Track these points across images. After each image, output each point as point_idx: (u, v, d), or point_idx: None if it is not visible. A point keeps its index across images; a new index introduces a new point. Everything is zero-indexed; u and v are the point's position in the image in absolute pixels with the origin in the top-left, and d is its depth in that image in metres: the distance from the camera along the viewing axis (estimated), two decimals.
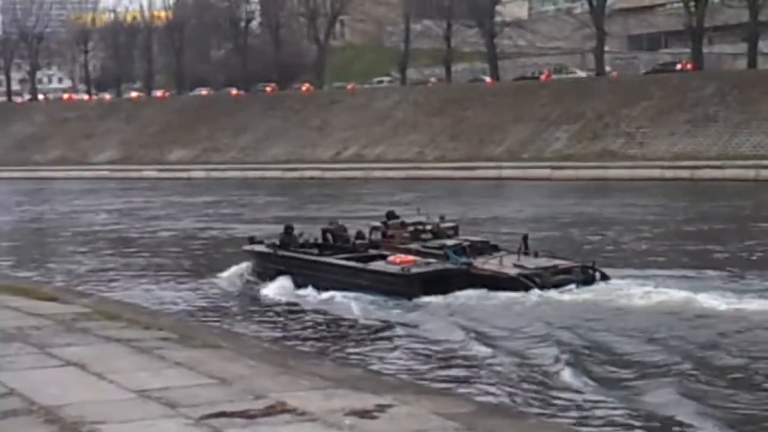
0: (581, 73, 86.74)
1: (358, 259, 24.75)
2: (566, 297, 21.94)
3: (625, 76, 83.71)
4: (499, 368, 17.07)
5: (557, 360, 17.12)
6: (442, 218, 27.62)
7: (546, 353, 17.88)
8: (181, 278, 28.77)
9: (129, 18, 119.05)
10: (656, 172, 62.92)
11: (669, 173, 62.12)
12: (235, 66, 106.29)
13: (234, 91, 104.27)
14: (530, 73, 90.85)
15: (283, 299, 23.78)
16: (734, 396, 15.18)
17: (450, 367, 17.84)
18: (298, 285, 24.75)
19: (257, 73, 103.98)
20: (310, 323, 21.97)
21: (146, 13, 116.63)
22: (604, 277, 23.59)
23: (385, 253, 24.72)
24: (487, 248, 25.22)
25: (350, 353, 18.49)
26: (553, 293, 22.08)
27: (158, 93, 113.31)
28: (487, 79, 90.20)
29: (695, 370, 16.59)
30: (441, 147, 79.06)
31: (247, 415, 8.71)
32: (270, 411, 8.90)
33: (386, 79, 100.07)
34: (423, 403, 9.56)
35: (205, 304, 24.60)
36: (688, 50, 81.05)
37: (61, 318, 14.42)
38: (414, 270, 23.14)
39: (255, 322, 21.96)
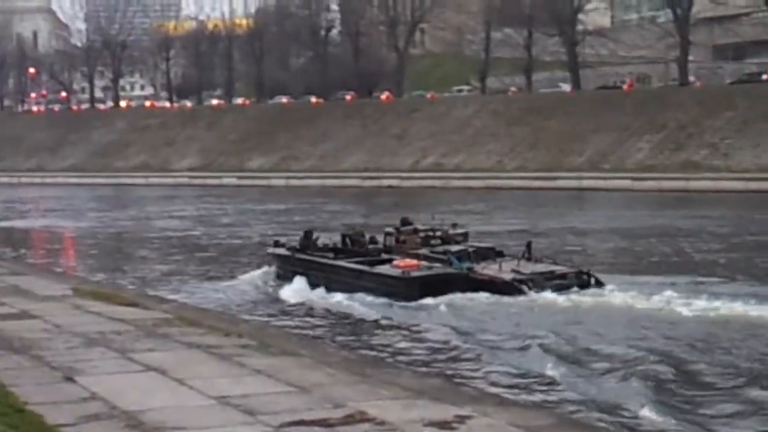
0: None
1: (367, 263, 25.94)
2: (557, 299, 23.14)
3: (710, 86, 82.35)
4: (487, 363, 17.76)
5: (542, 360, 17.76)
6: (454, 225, 28.93)
7: (529, 351, 18.67)
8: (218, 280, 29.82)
9: (210, 26, 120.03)
10: (740, 184, 62.06)
11: (753, 185, 61.23)
12: (315, 74, 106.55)
13: (313, 100, 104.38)
14: (612, 83, 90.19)
15: (296, 300, 24.98)
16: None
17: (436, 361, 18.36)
18: (313, 286, 25.77)
19: (336, 81, 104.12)
20: (319, 322, 22.79)
21: (228, 21, 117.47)
22: (599, 283, 24.51)
23: (394, 257, 25.89)
24: (491, 254, 26.25)
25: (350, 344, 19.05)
26: (546, 295, 23.26)
27: (239, 101, 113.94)
28: (568, 88, 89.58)
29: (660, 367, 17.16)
30: (520, 156, 78.70)
31: (326, 423, 8.93)
32: (349, 420, 9.10)
33: (466, 87, 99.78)
34: (502, 414, 9.72)
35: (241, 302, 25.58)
36: None
37: (142, 323, 14.76)
38: (414, 274, 24.38)
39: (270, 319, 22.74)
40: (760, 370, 17.57)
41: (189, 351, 12.63)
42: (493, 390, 14.46)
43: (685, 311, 22.11)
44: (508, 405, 10.84)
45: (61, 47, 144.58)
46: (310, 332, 20.32)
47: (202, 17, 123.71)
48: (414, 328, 21.23)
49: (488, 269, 24.70)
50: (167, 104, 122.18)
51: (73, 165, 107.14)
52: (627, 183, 67.35)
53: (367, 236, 28.72)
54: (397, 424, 8.97)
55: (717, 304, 22.46)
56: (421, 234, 27.54)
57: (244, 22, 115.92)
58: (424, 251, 26.20)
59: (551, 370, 16.64)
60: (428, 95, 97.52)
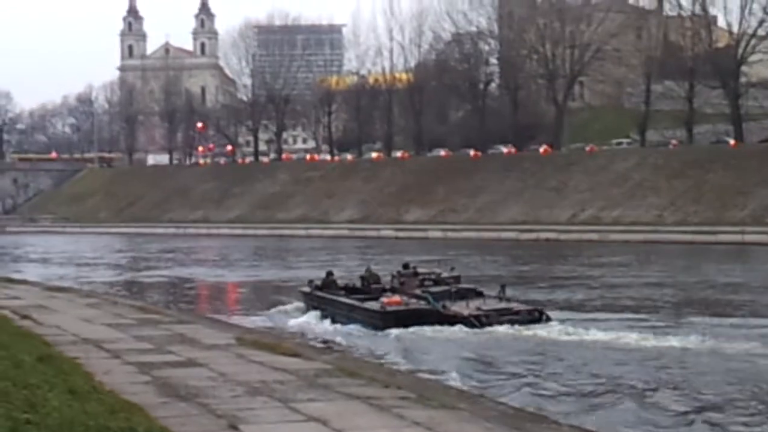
0: None
1: (361, 299, 29.06)
2: (502, 330, 25.86)
3: None
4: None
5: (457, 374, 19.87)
6: (452, 269, 32.23)
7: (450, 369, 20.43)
8: None
9: (371, 80, 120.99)
10: None
11: None
12: (473, 127, 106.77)
13: (471, 153, 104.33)
14: None
15: (298, 329, 27.51)
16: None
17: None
18: (324, 318, 29.32)
19: (495, 134, 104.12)
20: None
21: (388, 76, 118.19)
22: (548, 319, 26.89)
23: (389, 295, 28.85)
24: (471, 294, 28.57)
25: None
26: (497, 328, 25.91)
27: (397, 154, 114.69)
28: (731, 141, 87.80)
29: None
30: (681, 210, 77.51)
31: None
32: None
33: (625, 140, 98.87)
34: None
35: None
36: None
37: (303, 374, 15.02)
38: (389, 308, 27.05)
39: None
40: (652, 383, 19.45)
41: (349, 402, 12.84)
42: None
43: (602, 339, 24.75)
44: None
45: (227, 102, 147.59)
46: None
47: (363, 72, 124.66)
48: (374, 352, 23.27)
49: (456, 306, 27.14)
50: (328, 157, 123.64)
51: (238, 216, 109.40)
52: None
53: (381, 277, 31.70)
54: None
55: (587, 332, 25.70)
56: (420, 277, 30.22)
57: (404, 76, 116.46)
58: (418, 291, 28.63)
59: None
60: (587, 148, 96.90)
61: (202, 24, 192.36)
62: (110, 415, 9.75)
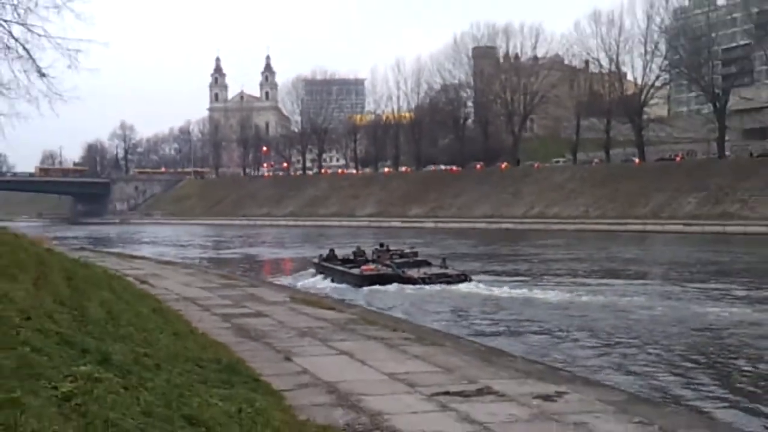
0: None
1: (350, 267, 29.78)
2: (438, 288, 26.31)
3: (740, 159, 79.85)
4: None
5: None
6: (412, 248, 33.67)
7: (432, 312, 21.78)
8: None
9: (384, 117, 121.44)
10: (764, 229, 59.64)
11: None
12: (455, 150, 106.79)
13: (454, 168, 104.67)
14: (668, 156, 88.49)
15: (307, 287, 27.56)
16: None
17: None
18: (325, 279, 30.12)
19: (470, 155, 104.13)
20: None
21: (396, 114, 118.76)
22: (470, 280, 27.49)
23: (369, 264, 29.55)
24: (423, 264, 29.26)
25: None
26: (435, 287, 26.43)
27: (402, 169, 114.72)
28: (636, 160, 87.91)
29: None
30: (601, 208, 77.66)
31: (463, 394, 9.04)
32: (480, 392, 9.20)
33: (562, 159, 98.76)
34: (589, 391, 9.64)
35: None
36: None
37: (337, 322, 15.08)
38: (366, 273, 28.04)
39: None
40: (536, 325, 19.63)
41: (368, 341, 12.87)
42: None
43: (507, 294, 25.18)
44: (594, 384, 10.71)
45: (283, 132, 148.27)
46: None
47: (378, 112, 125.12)
48: (353, 301, 22.94)
49: (411, 272, 27.80)
50: (354, 171, 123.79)
51: (291, 212, 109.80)
52: (679, 227, 65.63)
53: (368, 252, 32.21)
54: (513, 396, 9.00)
55: (501, 288, 26.47)
56: (389, 252, 30.90)
57: (407, 114, 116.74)
58: (388, 262, 29.14)
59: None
60: (535, 165, 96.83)
61: (266, 78, 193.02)
62: (202, 350, 9.78)
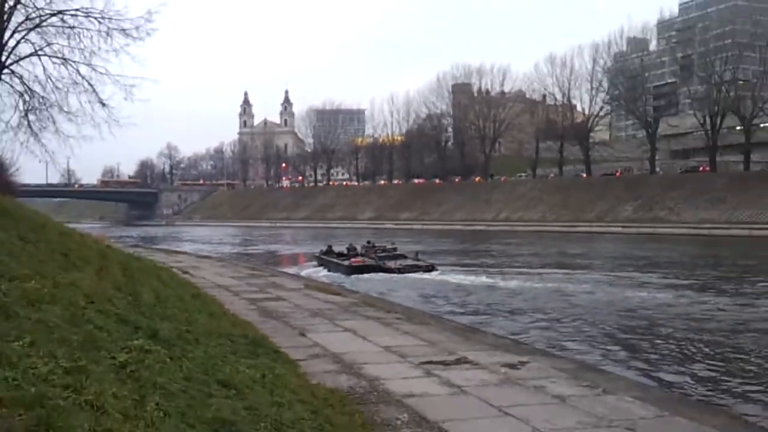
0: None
1: (342, 259, 29.82)
2: (413, 276, 26.67)
3: (668, 174, 79.99)
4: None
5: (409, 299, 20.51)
6: (392, 243, 32.80)
7: (403, 296, 21.41)
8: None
9: (381, 140, 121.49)
10: (685, 230, 59.78)
11: (694, 231, 58.86)
12: (438, 166, 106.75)
13: (437, 181, 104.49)
14: (610, 171, 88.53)
15: (310, 274, 27.66)
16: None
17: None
18: (323, 269, 30.13)
19: (450, 170, 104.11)
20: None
21: (390, 137, 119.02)
22: (435, 270, 27.86)
23: (359, 257, 29.61)
24: (400, 257, 29.53)
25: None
26: (408, 275, 26.78)
27: (395, 181, 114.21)
28: (584, 174, 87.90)
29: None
30: (556, 213, 77.60)
31: (444, 363, 9.09)
32: (458, 361, 9.24)
33: (524, 174, 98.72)
34: (546, 361, 9.69)
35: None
36: (707, 159, 77.13)
37: (342, 304, 15.10)
38: (353, 264, 28.23)
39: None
40: (493, 307, 19.78)
41: (368, 321, 12.89)
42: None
43: (470, 281, 25.30)
44: (549, 355, 10.76)
45: (299, 152, 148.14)
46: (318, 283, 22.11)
47: (376, 135, 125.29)
48: (347, 285, 23.08)
49: (390, 263, 28.15)
50: (356, 183, 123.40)
51: (305, 216, 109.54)
52: (619, 229, 65.63)
53: (359, 247, 31.92)
54: (485, 365, 9.05)
55: (467, 277, 26.65)
56: (375, 248, 30.82)
57: (399, 138, 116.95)
58: (374, 256, 29.39)
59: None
60: (502, 179, 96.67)
61: (285, 108, 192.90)
62: (233, 327, 9.79)
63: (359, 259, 29.04)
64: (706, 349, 13.67)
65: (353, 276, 26.87)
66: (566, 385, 8.16)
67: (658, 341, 14.62)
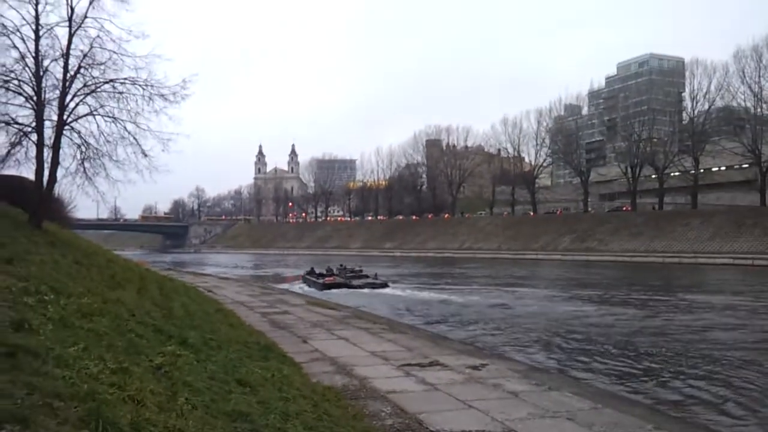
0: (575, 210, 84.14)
1: (318, 278, 29.97)
2: (367, 291, 26.83)
3: (598, 213, 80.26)
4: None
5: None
6: (360, 267, 33.25)
7: (374, 308, 20.51)
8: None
9: (369, 184, 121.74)
10: (612, 258, 60.00)
11: (619, 258, 59.09)
12: (415, 206, 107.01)
13: (414, 217, 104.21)
14: (552, 210, 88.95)
15: (294, 290, 27.18)
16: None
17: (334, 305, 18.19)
18: (306, 285, 30.21)
19: (425, 208, 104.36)
20: (293, 293, 24.02)
21: (375, 182, 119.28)
22: (388, 286, 28.35)
23: (332, 277, 29.80)
24: (363, 276, 29.83)
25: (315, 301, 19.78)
26: (365, 290, 26.97)
27: (380, 217, 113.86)
28: (532, 213, 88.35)
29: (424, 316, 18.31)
30: (508, 244, 77.52)
31: (420, 365, 9.02)
32: (431, 364, 9.18)
33: (483, 212, 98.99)
34: (503, 363, 9.64)
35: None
36: (628, 200, 77.84)
37: (337, 317, 14.97)
38: (326, 282, 28.40)
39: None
40: (444, 315, 19.68)
41: (358, 330, 12.78)
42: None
43: (420, 296, 25.21)
44: (506, 359, 10.71)
45: (303, 193, 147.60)
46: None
47: (365, 180, 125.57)
48: (322, 299, 22.33)
49: (355, 281, 28.51)
50: (348, 219, 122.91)
51: (307, 245, 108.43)
52: (559, 257, 65.60)
53: (334, 267, 32.20)
54: (453, 367, 8.98)
55: (410, 291, 26.81)
56: (345, 270, 31.44)
57: (383, 182, 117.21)
58: (344, 275, 29.95)
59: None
60: (466, 216, 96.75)
61: (292, 158, 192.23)
62: (248, 336, 9.69)
63: (331, 278, 29.85)
64: (614, 351, 13.60)
65: (325, 291, 27.26)
66: (519, 383, 8.14)
67: (582, 344, 14.60)
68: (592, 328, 16.77)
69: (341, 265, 33.42)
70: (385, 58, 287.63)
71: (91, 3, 12.14)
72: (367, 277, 30.25)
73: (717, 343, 14.21)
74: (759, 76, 61.88)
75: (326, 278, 29.72)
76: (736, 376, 10.98)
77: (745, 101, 65.01)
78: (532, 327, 17.12)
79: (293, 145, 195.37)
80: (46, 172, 11.93)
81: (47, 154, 11.98)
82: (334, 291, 26.98)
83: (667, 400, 9.28)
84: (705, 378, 10.82)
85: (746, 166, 66.39)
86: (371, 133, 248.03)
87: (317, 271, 32.92)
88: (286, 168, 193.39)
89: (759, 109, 63.95)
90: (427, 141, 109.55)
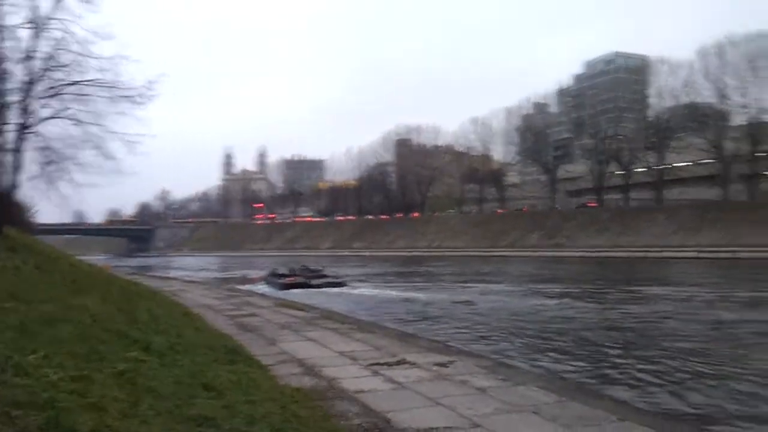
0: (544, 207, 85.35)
1: (280, 278, 29.89)
2: (331, 290, 26.83)
3: (566, 210, 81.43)
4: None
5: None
6: (322, 267, 33.59)
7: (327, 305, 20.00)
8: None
9: (338, 184, 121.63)
10: (579, 254, 60.96)
11: (586, 254, 60.00)
12: (384, 205, 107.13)
13: (383, 216, 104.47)
14: (520, 207, 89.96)
15: (257, 291, 26.57)
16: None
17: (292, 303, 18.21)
18: (267, 285, 30.20)
19: (394, 208, 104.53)
20: (259, 294, 24.01)
21: (344, 183, 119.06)
22: (346, 285, 28.73)
23: (290, 277, 30.00)
24: (322, 276, 30.21)
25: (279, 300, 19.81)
26: (325, 289, 27.05)
27: (350, 217, 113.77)
28: (499, 210, 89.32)
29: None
30: (477, 242, 78.34)
31: (388, 364, 9.05)
32: (399, 363, 9.21)
33: (452, 211, 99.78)
34: (469, 360, 9.73)
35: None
36: (595, 197, 79.18)
37: (305, 318, 14.90)
38: (286, 282, 28.59)
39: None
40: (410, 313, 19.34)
41: (326, 331, 12.75)
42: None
43: (386, 294, 25.03)
44: (473, 356, 10.78)
45: (272, 194, 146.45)
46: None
47: (334, 181, 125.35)
48: (280, 298, 22.10)
49: (315, 281, 28.78)
50: (318, 219, 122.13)
51: (277, 247, 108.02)
52: (528, 253, 66.39)
53: (296, 268, 32.17)
54: (420, 364, 9.04)
55: (373, 290, 26.89)
56: (307, 270, 31.69)
57: (353, 182, 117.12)
58: (305, 275, 30.14)
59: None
60: (435, 214, 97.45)
61: (260, 160, 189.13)
62: (215, 339, 9.62)
63: (292, 278, 30.17)
64: (573, 343, 13.84)
65: (286, 290, 27.29)
66: (485, 379, 8.25)
67: (545, 337, 14.81)
68: (553, 322, 17.04)
69: (303, 266, 33.72)
70: (353, 59, 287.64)
71: (58, 2, 11.92)
72: (325, 276, 30.72)
73: (669, 333, 14.72)
74: (722, 73, 63.74)
75: (287, 278, 29.89)
76: (680, 359, 11.49)
77: (709, 98, 66.93)
78: (495, 323, 17.17)
79: (262, 146, 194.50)
80: (8, 177, 11.67)
81: (9, 158, 11.72)
82: (294, 291, 26.85)
83: (613, 380, 9.71)
84: (653, 362, 11.32)
85: (710, 161, 68.26)
86: (341, 133, 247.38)
87: (280, 271, 33.02)
88: (254, 169, 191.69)
89: (722, 106, 65.87)
90: (396, 141, 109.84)
